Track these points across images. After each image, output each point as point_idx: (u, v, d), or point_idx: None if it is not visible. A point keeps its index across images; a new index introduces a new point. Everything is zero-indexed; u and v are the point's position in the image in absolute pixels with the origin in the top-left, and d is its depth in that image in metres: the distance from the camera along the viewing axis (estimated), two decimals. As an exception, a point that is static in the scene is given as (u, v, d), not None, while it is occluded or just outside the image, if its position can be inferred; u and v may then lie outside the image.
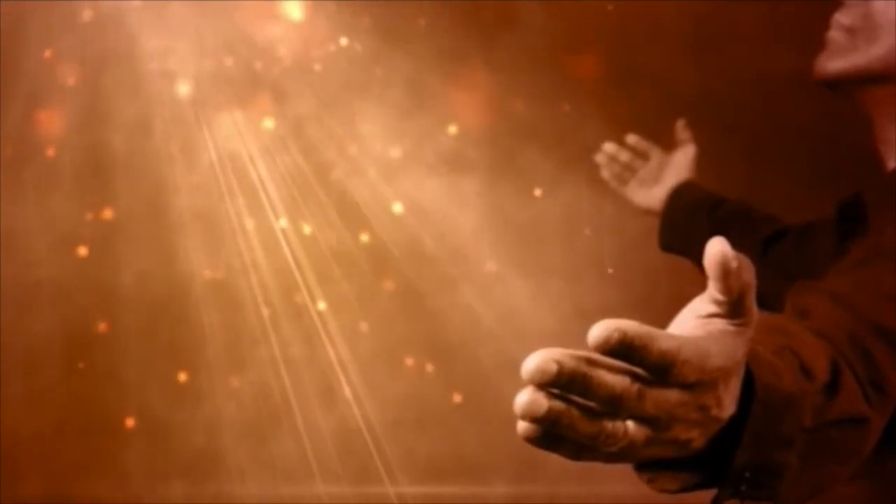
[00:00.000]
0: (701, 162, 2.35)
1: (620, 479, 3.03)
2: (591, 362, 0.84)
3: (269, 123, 3.34)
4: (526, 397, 0.83)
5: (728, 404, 0.92)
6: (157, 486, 3.33)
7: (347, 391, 3.27)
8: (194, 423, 3.29)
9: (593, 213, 3.18)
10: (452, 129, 3.32)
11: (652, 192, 2.27)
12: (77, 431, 3.34)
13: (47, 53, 3.27)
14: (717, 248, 0.88)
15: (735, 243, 2.13)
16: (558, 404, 0.84)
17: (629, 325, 0.83)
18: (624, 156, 2.32)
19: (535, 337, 3.14)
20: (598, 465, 0.92)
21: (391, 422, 3.28)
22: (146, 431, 3.32)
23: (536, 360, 0.82)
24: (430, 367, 3.34)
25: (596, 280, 3.24)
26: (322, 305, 3.32)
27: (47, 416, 3.31)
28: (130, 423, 3.35)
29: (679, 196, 2.22)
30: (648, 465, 0.98)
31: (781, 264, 1.97)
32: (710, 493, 1.01)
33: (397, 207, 3.33)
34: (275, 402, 3.29)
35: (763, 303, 1.82)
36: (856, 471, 1.15)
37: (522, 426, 0.85)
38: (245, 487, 3.31)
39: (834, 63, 1.66)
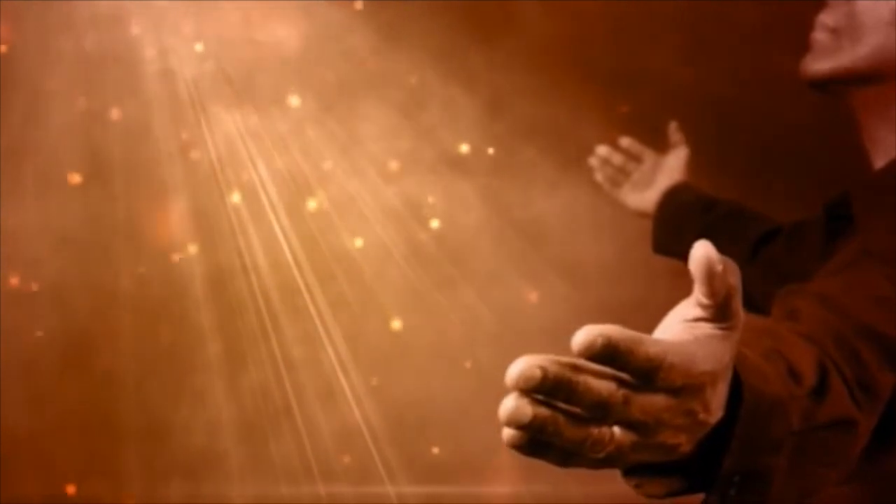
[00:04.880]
0: (700, 162, 2.35)
1: (620, 479, 3.04)
2: (576, 368, 0.83)
3: (269, 123, 3.34)
4: (510, 404, 0.83)
5: (715, 409, 0.92)
6: (157, 486, 3.33)
7: (347, 391, 3.27)
8: (194, 423, 3.29)
9: (593, 212, 3.18)
10: (452, 130, 3.32)
11: (645, 195, 2.27)
12: (77, 431, 3.34)
13: (47, 53, 3.27)
14: (701, 252, 0.88)
15: (727, 245, 2.14)
16: (543, 411, 0.83)
17: (614, 331, 0.83)
18: (617, 159, 2.32)
19: (535, 337, 3.15)
20: (598, 466, 0.92)
21: (391, 422, 3.28)
22: (146, 432, 3.32)
23: (520, 367, 0.82)
24: (429, 368, 3.34)
25: (596, 280, 3.24)
26: (323, 305, 3.32)
27: (46, 416, 3.31)
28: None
29: (671, 198, 2.22)
30: (636, 471, 0.97)
31: (772, 265, 1.97)
32: (698, 498, 1.01)
33: (398, 207, 3.33)
34: (275, 402, 3.29)
35: (754, 303, 1.83)
36: (846, 473, 1.15)
37: (508, 433, 0.85)
38: (245, 487, 3.31)
39: (819, 64, 1.66)
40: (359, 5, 3.29)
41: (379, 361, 3.32)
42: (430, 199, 3.32)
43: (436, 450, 3.27)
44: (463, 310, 3.30)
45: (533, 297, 3.28)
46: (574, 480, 3.18)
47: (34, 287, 3.29)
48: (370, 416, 3.27)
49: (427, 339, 3.35)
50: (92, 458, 3.33)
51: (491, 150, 3.31)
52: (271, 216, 3.32)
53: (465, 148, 3.28)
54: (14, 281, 3.27)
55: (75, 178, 3.31)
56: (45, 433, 3.31)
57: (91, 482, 3.32)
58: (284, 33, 3.32)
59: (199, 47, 3.30)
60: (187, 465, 3.30)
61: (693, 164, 2.35)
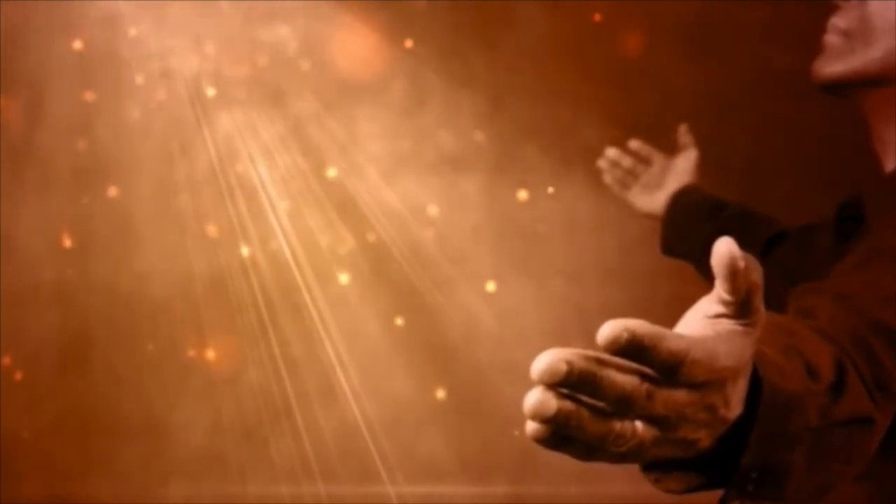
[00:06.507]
0: (701, 162, 2.35)
1: (620, 479, 3.05)
2: (600, 362, 0.83)
3: (269, 123, 3.34)
4: (535, 397, 0.83)
5: (735, 404, 0.92)
6: (157, 486, 3.32)
7: (347, 391, 3.27)
8: (194, 423, 3.29)
9: (593, 212, 3.18)
10: (452, 130, 3.32)
11: (654, 197, 2.27)
12: (76, 431, 3.34)
13: (47, 53, 3.26)
14: (724, 248, 0.87)
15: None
16: (568, 404, 0.83)
17: (639, 325, 0.82)
18: (626, 161, 2.32)
19: (535, 337, 3.15)
20: (598, 465, 0.91)
21: (391, 422, 3.28)
22: (146, 431, 3.32)
23: (546, 360, 0.82)
24: (430, 367, 3.34)
25: (596, 280, 3.24)
26: (322, 305, 3.31)
27: (46, 416, 3.31)
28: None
29: (680, 200, 2.21)
30: (654, 466, 0.97)
31: (781, 266, 1.97)
32: (714, 494, 1.01)
33: (398, 207, 3.33)
34: (275, 402, 3.29)
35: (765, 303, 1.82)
36: (861, 471, 1.15)
37: (531, 427, 0.84)
38: (245, 487, 3.31)
39: (831, 67, 1.66)
40: (409, 43, 3.31)
41: (379, 361, 3.32)
42: (431, 199, 3.32)
43: (436, 449, 3.27)
44: (463, 310, 3.30)
45: (532, 296, 3.27)
46: (573, 480, 3.18)
47: (35, 286, 3.29)
48: (370, 416, 3.27)
49: (427, 339, 3.35)
50: (92, 458, 3.33)
51: (551, 189, 3.30)
52: (271, 216, 3.32)
53: (523, 194, 3.30)
54: (15, 280, 3.27)
55: (75, 179, 3.31)
56: (45, 433, 3.31)
57: (91, 482, 3.32)
58: (284, 33, 3.32)
59: (199, 47, 3.29)
60: (187, 465, 3.30)
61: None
